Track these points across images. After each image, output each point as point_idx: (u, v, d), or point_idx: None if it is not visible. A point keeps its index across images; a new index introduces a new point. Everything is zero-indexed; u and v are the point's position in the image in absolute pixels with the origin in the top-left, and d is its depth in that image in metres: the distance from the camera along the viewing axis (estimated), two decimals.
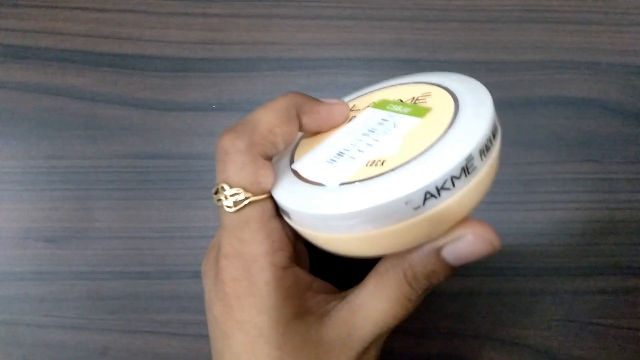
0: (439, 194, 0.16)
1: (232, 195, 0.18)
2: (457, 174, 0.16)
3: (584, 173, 0.31)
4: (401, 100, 0.21)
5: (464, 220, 0.17)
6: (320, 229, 0.18)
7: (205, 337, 0.30)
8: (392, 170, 0.17)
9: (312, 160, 0.20)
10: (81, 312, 0.30)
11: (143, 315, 0.30)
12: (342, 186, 0.17)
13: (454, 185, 0.16)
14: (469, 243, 0.17)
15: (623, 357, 0.30)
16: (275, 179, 0.20)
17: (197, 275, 0.30)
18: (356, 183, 0.17)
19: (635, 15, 0.33)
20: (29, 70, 0.32)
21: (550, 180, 0.31)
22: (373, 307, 0.19)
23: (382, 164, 0.17)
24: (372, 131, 0.20)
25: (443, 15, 0.32)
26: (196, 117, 0.31)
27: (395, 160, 0.17)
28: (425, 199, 0.16)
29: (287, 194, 0.19)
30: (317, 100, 0.21)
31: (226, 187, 0.18)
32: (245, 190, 0.18)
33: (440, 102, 0.20)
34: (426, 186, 0.15)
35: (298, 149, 0.21)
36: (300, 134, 0.22)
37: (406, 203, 0.15)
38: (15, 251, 0.30)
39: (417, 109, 0.20)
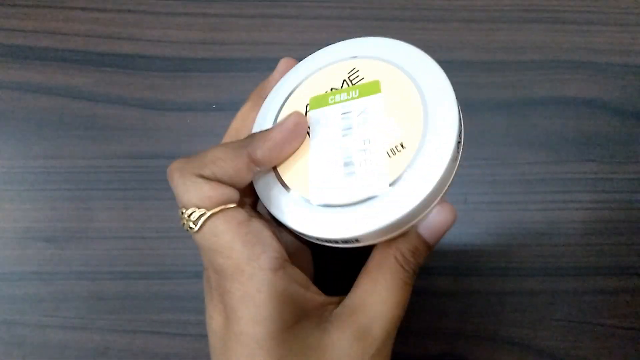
0: (460, 141, 0.19)
1: (189, 216, 0.18)
2: (459, 135, 0.18)
3: (584, 173, 0.31)
4: (334, 89, 0.21)
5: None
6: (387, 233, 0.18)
7: (205, 337, 0.30)
8: (421, 147, 0.18)
9: (324, 184, 0.19)
10: (81, 312, 0.30)
11: (143, 315, 0.30)
12: (394, 186, 0.18)
13: (460, 132, 0.19)
14: (436, 214, 0.19)
15: (623, 357, 0.30)
16: (270, 195, 0.20)
17: (197, 275, 0.30)
18: (405, 176, 0.18)
19: (635, 15, 0.33)
20: (29, 70, 0.32)
21: (550, 180, 0.31)
22: (376, 301, 0.19)
23: (402, 146, 0.18)
24: (349, 128, 0.20)
25: (443, 15, 0.32)
26: (196, 117, 0.31)
27: (410, 138, 0.18)
28: (457, 149, 0.18)
29: (337, 223, 0.18)
30: (266, 130, 0.20)
31: (183, 210, 0.19)
32: (199, 207, 0.18)
33: (376, 70, 0.20)
34: (456, 136, 0.18)
35: (283, 169, 0.20)
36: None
37: (453, 159, 0.18)
38: (15, 251, 0.30)
39: (364, 87, 0.20)
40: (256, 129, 0.22)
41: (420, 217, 0.18)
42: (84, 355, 0.29)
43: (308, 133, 0.20)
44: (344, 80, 0.21)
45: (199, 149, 0.31)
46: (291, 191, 0.19)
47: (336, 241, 0.19)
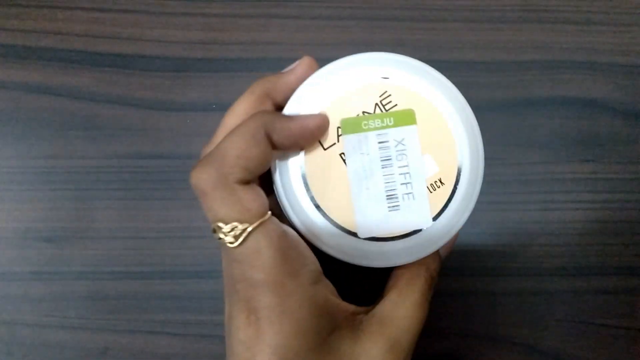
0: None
1: (230, 231, 0.18)
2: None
3: (584, 173, 0.31)
4: (366, 113, 0.20)
5: None
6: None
7: (205, 337, 0.30)
8: (455, 185, 0.20)
9: (369, 217, 0.20)
10: (81, 312, 0.30)
11: (143, 315, 0.30)
12: (435, 220, 0.20)
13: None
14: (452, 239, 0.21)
15: (623, 357, 0.30)
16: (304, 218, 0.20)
17: (197, 275, 0.30)
18: (444, 210, 0.20)
19: (635, 15, 0.33)
20: (29, 70, 0.32)
21: (550, 180, 0.31)
22: (404, 315, 0.20)
23: (441, 182, 0.20)
24: (388, 159, 0.20)
25: (443, 15, 0.32)
26: (196, 117, 0.31)
27: (446, 176, 0.20)
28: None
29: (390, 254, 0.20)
30: (288, 116, 0.19)
31: (221, 224, 0.18)
32: (241, 222, 0.18)
33: (408, 98, 0.20)
34: (482, 164, 0.20)
35: (323, 202, 0.20)
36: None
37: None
38: (15, 251, 0.30)
39: (398, 116, 0.20)
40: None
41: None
42: (84, 355, 0.29)
43: (343, 159, 0.20)
44: (376, 104, 0.20)
45: (199, 149, 0.31)
46: (332, 221, 0.20)
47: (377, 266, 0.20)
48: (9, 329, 0.30)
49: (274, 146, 0.19)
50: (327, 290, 0.19)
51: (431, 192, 0.20)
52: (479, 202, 0.19)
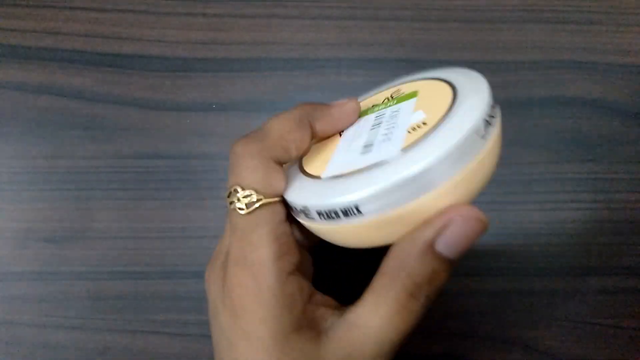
0: (491, 123, 0.17)
1: (244, 197, 0.18)
2: (490, 112, 0.17)
3: (584, 173, 0.31)
4: (375, 105, 0.22)
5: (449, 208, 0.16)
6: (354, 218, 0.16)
7: (205, 337, 0.30)
8: (442, 121, 0.17)
9: (342, 160, 0.19)
10: (81, 312, 0.30)
11: (143, 315, 0.30)
12: (405, 151, 0.16)
13: (493, 117, 0.17)
14: (458, 226, 0.16)
15: (623, 357, 0.30)
16: (288, 182, 0.20)
17: (197, 275, 0.30)
18: (419, 142, 0.16)
19: (635, 15, 0.33)
20: (29, 70, 0.32)
21: (550, 180, 0.31)
22: (372, 324, 0.18)
23: (424, 124, 0.17)
24: (379, 124, 0.20)
25: (443, 15, 0.32)
26: (196, 117, 0.31)
27: (433, 118, 0.17)
28: (485, 127, 0.16)
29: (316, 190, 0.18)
30: (327, 104, 0.21)
31: (239, 189, 0.19)
32: (258, 192, 0.19)
33: (418, 86, 0.21)
34: (483, 114, 0.16)
35: (306, 160, 0.21)
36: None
37: (476, 132, 0.16)
38: (15, 251, 0.30)
39: (401, 97, 0.21)
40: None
41: (436, 205, 0.16)
42: (84, 355, 0.29)
43: (340, 134, 0.21)
44: (387, 98, 0.22)
45: (199, 149, 0.31)
46: (305, 172, 0.20)
47: (336, 212, 0.17)
48: (9, 329, 0.30)
49: (314, 135, 0.21)
50: (299, 286, 0.20)
51: (409, 133, 0.17)
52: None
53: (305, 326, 0.19)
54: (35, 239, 0.30)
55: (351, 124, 0.22)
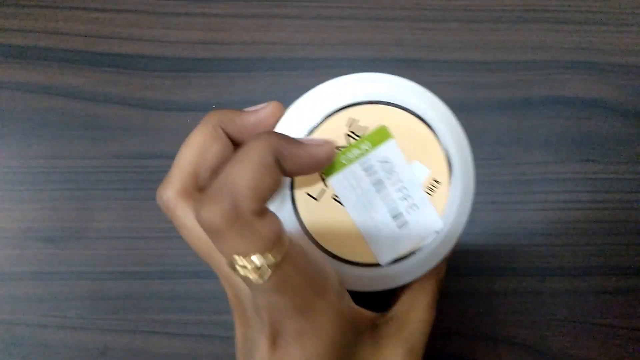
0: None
1: (253, 267, 0.16)
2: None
3: (584, 173, 0.31)
4: (340, 148, 0.20)
5: None
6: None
7: (205, 337, 0.30)
8: (450, 180, 0.20)
9: (384, 243, 0.20)
10: (81, 312, 0.30)
11: (143, 315, 0.30)
12: (446, 217, 0.20)
13: None
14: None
15: (623, 357, 0.30)
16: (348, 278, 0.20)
17: (197, 275, 0.30)
18: (451, 204, 0.20)
19: (635, 15, 0.33)
20: (29, 70, 0.32)
21: (550, 180, 0.31)
22: (418, 318, 0.20)
23: (436, 181, 0.20)
24: (379, 182, 0.20)
25: (443, 15, 0.32)
26: (196, 117, 0.31)
27: (439, 172, 0.20)
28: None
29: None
30: (297, 142, 0.18)
31: (242, 260, 0.16)
32: (263, 254, 0.16)
33: (375, 115, 0.20)
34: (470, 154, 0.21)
35: (335, 246, 0.20)
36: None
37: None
38: (15, 251, 0.30)
39: (372, 137, 0.20)
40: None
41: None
42: (84, 355, 0.29)
43: (339, 201, 0.20)
44: (346, 134, 0.20)
45: None
46: (351, 262, 0.20)
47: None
48: (9, 329, 0.30)
49: (283, 172, 0.18)
50: (350, 301, 0.19)
51: (431, 195, 0.20)
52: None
53: (362, 333, 0.19)
54: (35, 239, 0.30)
55: (323, 167, 0.19)
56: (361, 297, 0.20)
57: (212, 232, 0.16)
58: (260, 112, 0.20)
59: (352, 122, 0.20)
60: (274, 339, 0.17)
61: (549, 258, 0.30)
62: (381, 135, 0.20)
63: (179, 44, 0.32)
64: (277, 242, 0.16)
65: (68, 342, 0.30)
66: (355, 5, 0.32)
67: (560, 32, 0.32)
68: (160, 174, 0.31)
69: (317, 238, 0.19)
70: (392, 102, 0.20)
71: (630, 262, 0.30)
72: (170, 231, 0.30)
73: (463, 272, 0.30)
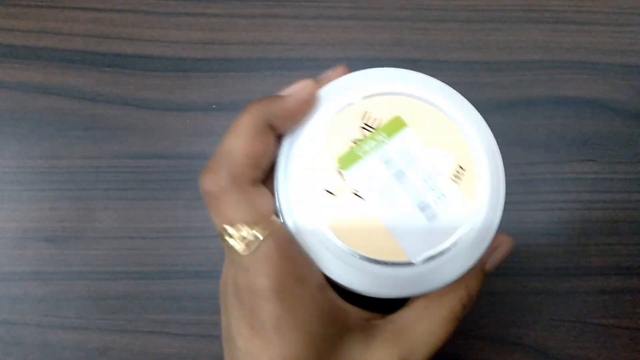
0: None
1: (241, 236, 0.17)
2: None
3: (584, 173, 0.31)
4: (356, 141, 0.19)
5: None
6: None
7: (205, 337, 0.30)
8: (475, 166, 0.19)
9: (413, 235, 0.18)
10: (81, 312, 0.30)
11: (143, 315, 0.30)
12: (480, 205, 0.19)
13: None
14: (504, 249, 0.20)
15: (623, 357, 0.30)
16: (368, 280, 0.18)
17: (197, 275, 0.30)
18: (482, 190, 0.19)
19: (635, 15, 0.33)
20: (29, 70, 0.32)
21: (550, 180, 0.31)
22: (426, 331, 0.19)
23: (461, 167, 0.19)
24: (401, 173, 0.19)
25: (443, 15, 0.32)
26: (196, 117, 0.31)
27: (461, 156, 0.19)
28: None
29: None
30: (279, 96, 0.19)
31: (232, 229, 0.17)
32: (251, 226, 0.17)
33: (388, 106, 0.19)
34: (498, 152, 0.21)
35: (360, 246, 0.19)
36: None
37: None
38: (15, 251, 0.30)
39: (387, 127, 0.19)
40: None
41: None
42: (84, 355, 0.29)
43: (359, 196, 0.19)
44: (361, 127, 0.19)
45: (199, 149, 0.31)
46: (384, 262, 0.18)
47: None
48: (9, 329, 0.30)
49: (280, 131, 0.19)
50: (334, 295, 0.19)
51: (457, 183, 0.19)
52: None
53: (350, 331, 0.19)
54: (35, 239, 0.30)
55: (311, 111, 0.19)
56: (362, 299, 0.20)
57: (209, 200, 0.17)
58: (299, 92, 0.19)
59: (365, 114, 0.20)
60: (253, 325, 0.17)
61: (549, 258, 0.30)
62: (396, 124, 0.19)
63: (179, 44, 0.32)
64: (267, 216, 0.17)
65: (68, 342, 0.30)
66: (355, 5, 0.32)
67: (560, 32, 0.32)
68: (160, 174, 0.31)
69: (340, 237, 0.19)
70: (404, 92, 0.20)
71: (630, 262, 0.30)
72: (170, 231, 0.30)
73: None
